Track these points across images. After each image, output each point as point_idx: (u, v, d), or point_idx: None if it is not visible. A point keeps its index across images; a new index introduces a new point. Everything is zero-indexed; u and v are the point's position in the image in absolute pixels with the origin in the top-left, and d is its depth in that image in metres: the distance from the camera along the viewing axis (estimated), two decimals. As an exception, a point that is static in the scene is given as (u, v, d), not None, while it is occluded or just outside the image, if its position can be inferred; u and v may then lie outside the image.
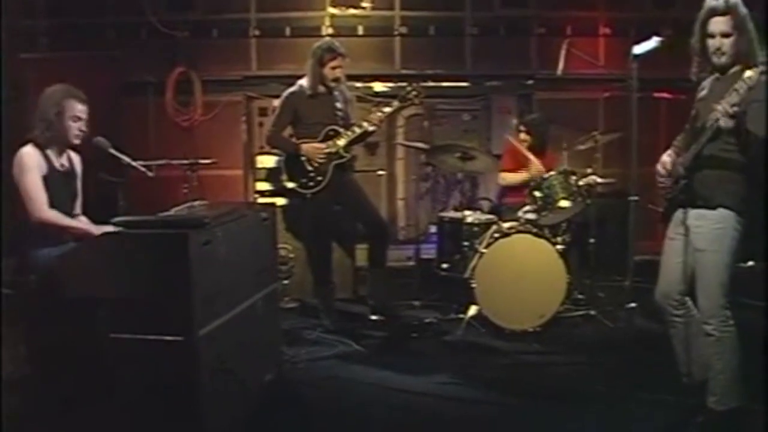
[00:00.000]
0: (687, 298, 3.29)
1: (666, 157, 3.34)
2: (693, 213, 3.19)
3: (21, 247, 3.67)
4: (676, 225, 3.30)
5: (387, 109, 4.92)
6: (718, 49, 3.06)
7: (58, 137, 3.76)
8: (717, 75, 3.16)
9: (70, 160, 3.92)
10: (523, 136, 5.68)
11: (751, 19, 3.03)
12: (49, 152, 3.75)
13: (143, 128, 6.70)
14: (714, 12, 3.05)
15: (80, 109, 3.78)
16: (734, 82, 2.90)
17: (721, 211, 3.08)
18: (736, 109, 2.85)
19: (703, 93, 3.19)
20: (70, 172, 3.89)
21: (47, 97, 3.75)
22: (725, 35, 3.03)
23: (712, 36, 3.06)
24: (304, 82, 4.98)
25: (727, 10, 3.01)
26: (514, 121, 5.94)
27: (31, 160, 3.65)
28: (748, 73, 2.82)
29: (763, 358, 3.83)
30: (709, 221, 3.11)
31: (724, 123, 2.90)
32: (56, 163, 3.79)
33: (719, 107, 2.90)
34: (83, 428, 3.30)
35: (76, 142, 3.81)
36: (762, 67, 2.88)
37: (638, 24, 6.80)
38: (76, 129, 3.78)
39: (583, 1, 7.00)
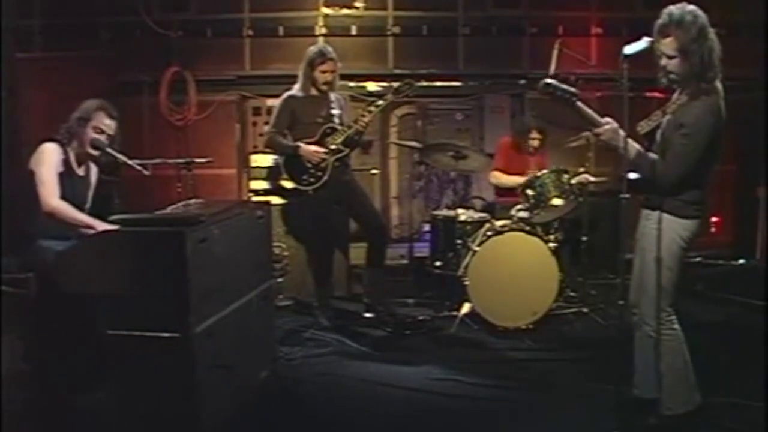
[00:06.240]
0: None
1: None
2: (644, 212, 3.21)
3: (23, 243, 3.69)
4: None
5: (380, 103, 4.94)
6: (663, 67, 3.01)
7: (77, 143, 3.84)
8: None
9: (87, 169, 4.00)
10: (534, 134, 5.67)
11: (707, 31, 2.90)
12: (70, 154, 3.83)
13: (137, 127, 6.70)
14: (659, 32, 2.94)
15: (106, 123, 3.86)
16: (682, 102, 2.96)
17: (660, 213, 3.04)
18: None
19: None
20: (84, 179, 3.96)
21: (81, 106, 3.85)
22: (670, 57, 2.96)
23: (659, 56, 3.00)
24: (298, 86, 5.05)
25: (670, 32, 2.91)
26: (525, 121, 5.88)
27: (51, 153, 3.72)
28: None
29: (764, 356, 3.88)
30: (650, 222, 3.11)
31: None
32: (74, 167, 3.87)
33: None
34: (80, 424, 3.33)
35: (91, 151, 3.85)
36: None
37: (630, 24, 6.84)
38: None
39: (575, 2, 7.05)
